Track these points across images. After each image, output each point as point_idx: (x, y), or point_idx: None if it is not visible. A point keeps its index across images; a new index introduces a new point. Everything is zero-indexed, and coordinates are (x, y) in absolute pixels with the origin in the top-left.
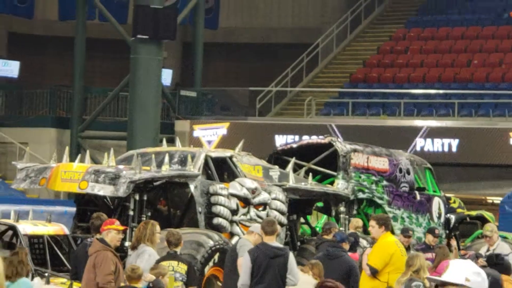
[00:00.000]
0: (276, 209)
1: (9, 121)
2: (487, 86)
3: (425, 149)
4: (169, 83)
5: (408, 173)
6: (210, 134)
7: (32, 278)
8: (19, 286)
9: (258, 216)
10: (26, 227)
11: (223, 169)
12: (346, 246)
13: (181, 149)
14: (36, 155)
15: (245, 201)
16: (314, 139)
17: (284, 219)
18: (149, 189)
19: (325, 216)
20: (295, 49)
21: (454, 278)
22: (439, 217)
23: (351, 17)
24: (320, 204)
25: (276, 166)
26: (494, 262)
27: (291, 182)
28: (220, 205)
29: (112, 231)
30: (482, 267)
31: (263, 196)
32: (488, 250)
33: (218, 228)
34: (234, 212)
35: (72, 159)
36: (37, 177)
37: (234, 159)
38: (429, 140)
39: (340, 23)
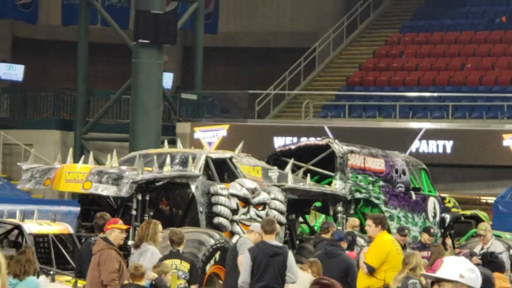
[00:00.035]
0: (275, 209)
1: (14, 123)
2: (480, 89)
3: (420, 150)
4: (170, 87)
5: (404, 173)
6: (211, 136)
7: (38, 276)
8: (26, 284)
9: (258, 216)
10: (32, 227)
11: (223, 170)
12: (344, 245)
13: (182, 150)
14: (40, 156)
15: (245, 201)
16: (312, 140)
17: (283, 219)
18: (151, 189)
19: (323, 216)
20: (293, 53)
21: (448, 274)
22: (434, 217)
23: (348, 22)
24: (318, 204)
25: (275, 167)
26: (489, 260)
27: (290, 183)
28: (221, 205)
29: (115, 230)
30: (476, 265)
31: (263, 196)
32: (482, 249)
33: (219, 227)
34: (234, 211)
35: (76, 160)
36: (41, 178)
37: (234, 160)
38: (424, 142)
39: (336, 28)
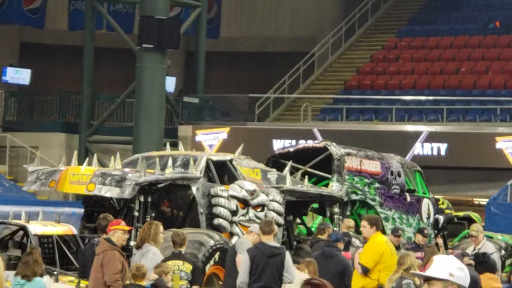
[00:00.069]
0: (273, 210)
1: (21, 126)
2: (474, 92)
3: (415, 152)
4: (172, 90)
5: (399, 175)
6: (212, 138)
7: (42, 276)
8: (34, 285)
9: (257, 217)
10: (36, 228)
11: (223, 172)
12: (341, 245)
13: (184, 153)
14: (46, 158)
15: (244, 203)
16: (310, 143)
17: (281, 220)
18: (153, 191)
19: (320, 217)
20: (292, 58)
21: (438, 273)
22: (428, 218)
23: (346, 27)
24: (315, 205)
25: (274, 169)
26: (481, 261)
27: (288, 184)
28: (221, 206)
29: (118, 231)
30: (468, 266)
31: (262, 198)
32: (474, 249)
33: (219, 228)
34: (234, 213)
35: (80, 162)
36: (47, 180)
37: (234, 163)
38: (419, 144)
39: (335, 33)
